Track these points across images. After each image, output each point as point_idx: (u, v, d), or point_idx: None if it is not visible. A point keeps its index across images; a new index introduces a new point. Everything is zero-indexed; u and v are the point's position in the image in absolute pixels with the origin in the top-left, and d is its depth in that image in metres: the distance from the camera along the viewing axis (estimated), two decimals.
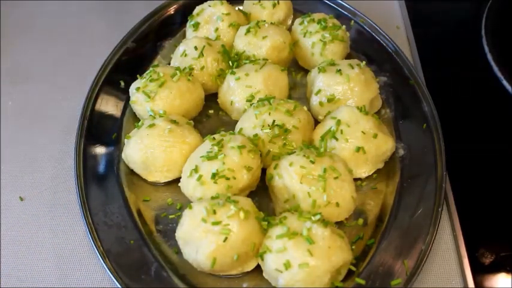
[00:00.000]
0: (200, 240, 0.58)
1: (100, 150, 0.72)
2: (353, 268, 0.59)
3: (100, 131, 0.74)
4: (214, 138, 0.66)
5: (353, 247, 0.62)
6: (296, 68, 0.84)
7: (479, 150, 0.73)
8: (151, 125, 0.68)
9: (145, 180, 0.69)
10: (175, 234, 0.61)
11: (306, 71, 0.81)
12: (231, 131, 0.70)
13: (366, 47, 0.84)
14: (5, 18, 1.00)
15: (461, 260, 0.63)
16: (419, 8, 0.94)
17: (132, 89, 0.75)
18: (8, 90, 0.87)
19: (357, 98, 0.72)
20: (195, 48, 0.77)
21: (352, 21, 0.86)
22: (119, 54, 0.81)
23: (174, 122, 0.69)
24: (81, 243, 0.66)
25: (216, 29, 0.83)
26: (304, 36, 0.80)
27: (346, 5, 0.88)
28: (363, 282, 0.59)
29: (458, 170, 0.70)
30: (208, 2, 0.85)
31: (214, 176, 0.62)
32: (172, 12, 0.89)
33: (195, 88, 0.75)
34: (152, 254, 0.62)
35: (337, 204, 0.62)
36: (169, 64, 0.81)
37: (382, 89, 0.77)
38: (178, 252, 0.62)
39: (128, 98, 0.76)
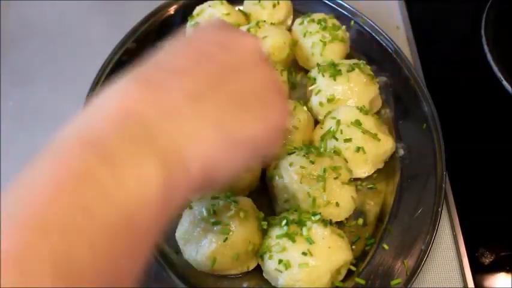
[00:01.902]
0: (200, 240, 0.58)
1: None
2: (353, 268, 0.59)
3: None
4: None
5: (353, 247, 0.62)
6: (296, 68, 0.84)
7: (479, 150, 0.73)
8: None
9: None
10: (175, 234, 0.61)
11: (306, 71, 0.81)
12: None
13: (366, 47, 0.84)
14: (5, 18, 1.00)
15: (461, 259, 0.63)
16: (419, 8, 0.94)
17: None
18: (8, 90, 0.87)
19: (357, 98, 0.72)
20: None
21: (352, 22, 0.86)
22: (119, 54, 0.81)
23: None
24: None
25: None
26: (304, 37, 0.80)
27: (346, 5, 0.88)
28: (362, 282, 0.59)
29: (458, 170, 0.70)
30: (208, 2, 0.85)
31: None
32: (172, 13, 0.89)
33: None
34: (152, 254, 0.62)
35: (337, 204, 0.62)
36: None
37: (382, 89, 0.77)
38: (178, 252, 0.62)
39: None
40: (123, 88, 0.34)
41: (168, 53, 0.39)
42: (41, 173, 0.30)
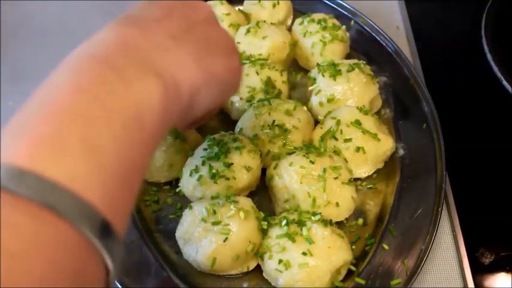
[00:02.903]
0: (200, 240, 0.58)
1: None
2: (353, 268, 0.59)
3: None
4: (214, 138, 0.67)
5: (353, 247, 0.62)
6: (296, 68, 0.84)
7: (479, 150, 0.73)
8: None
9: (145, 180, 0.69)
10: (175, 234, 0.61)
11: (306, 71, 0.81)
12: (231, 131, 0.70)
13: (366, 47, 0.84)
14: (5, 18, 1.00)
15: (461, 259, 0.63)
16: (419, 8, 0.94)
17: None
18: (8, 90, 0.87)
19: (357, 98, 0.72)
20: None
21: (352, 22, 0.87)
22: None
23: None
24: None
25: None
26: (304, 37, 0.80)
27: (346, 5, 0.88)
28: (362, 282, 0.59)
29: (458, 170, 0.70)
30: (208, 2, 0.85)
31: (214, 176, 0.62)
32: None
33: None
34: (152, 254, 0.62)
35: (337, 204, 0.62)
36: None
37: (382, 89, 0.77)
38: (178, 252, 0.62)
39: None
40: (117, 27, 0.40)
41: (141, 9, 0.44)
42: (62, 78, 0.34)
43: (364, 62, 0.76)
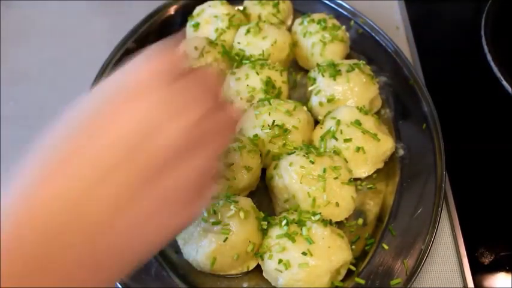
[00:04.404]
0: (200, 240, 0.58)
1: None
2: (353, 268, 0.60)
3: None
4: None
5: (353, 247, 0.62)
6: (296, 68, 0.84)
7: (479, 150, 0.74)
8: None
9: None
10: None
11: (306, 71, 0.81)
12: None
13: (366, 47, 0.84)
14: (5, 18, 1.00)
15: (460, 259, 0.63)
16: (419, 8, 0.94)
17: None
18: (8, 90, 0.87)
19: (357, 98, 0.72)
20: (195, 48, 0.77)
21: (352, 22, 0.86)
22: (119, 55, 0.81)
23: None
24: None
25: (216, 29, 0.83)
26: (304, 37, 0.80)
27: (346, 5, 0.88)
28: (362, 281, 0.59)
29: (458, 170, 0.70)
30: (208, 2, 0.85)
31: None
32: (172, 13, 0.89)
33: None
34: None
35: (337, 204, 0.62)
36: None
37: (381, 89, 0.77)
38: (178, 252, 0.62)
39: None
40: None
41: (92, 133, 0.36)
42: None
43: (364, 62, 0.76)
